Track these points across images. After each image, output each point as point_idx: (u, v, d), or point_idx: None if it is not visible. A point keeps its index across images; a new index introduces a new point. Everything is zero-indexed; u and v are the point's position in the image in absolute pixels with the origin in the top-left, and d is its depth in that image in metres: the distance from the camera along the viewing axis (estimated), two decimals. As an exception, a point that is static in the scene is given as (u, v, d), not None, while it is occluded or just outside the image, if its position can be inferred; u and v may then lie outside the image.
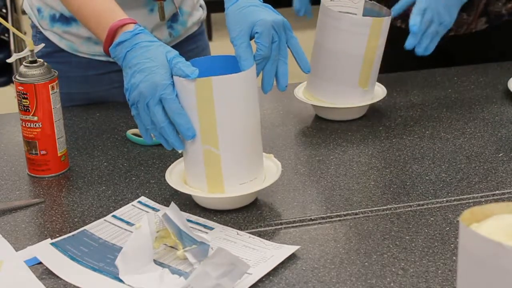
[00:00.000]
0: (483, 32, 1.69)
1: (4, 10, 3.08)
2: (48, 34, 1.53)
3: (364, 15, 1.44)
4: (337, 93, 1.44)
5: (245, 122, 1.11)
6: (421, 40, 1.45)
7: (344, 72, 1.43)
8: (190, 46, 1.62)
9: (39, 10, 1.53)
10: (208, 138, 1.10)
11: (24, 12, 1.54)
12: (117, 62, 1.19)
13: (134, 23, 1.19)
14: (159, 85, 1.10)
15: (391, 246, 1.05)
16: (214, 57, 1.17)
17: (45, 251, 1.05)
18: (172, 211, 1.02)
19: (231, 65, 1.14)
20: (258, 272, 0.99)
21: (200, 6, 1.65)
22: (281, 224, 1.12)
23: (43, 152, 1.26)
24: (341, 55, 1.42)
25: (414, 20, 1.42)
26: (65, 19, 1.51)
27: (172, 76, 1.10)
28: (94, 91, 1.57)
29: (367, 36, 1.40)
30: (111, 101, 1.58)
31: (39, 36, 1.55)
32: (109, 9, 1.24)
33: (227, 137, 1.10)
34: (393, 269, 1.00)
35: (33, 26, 1.57)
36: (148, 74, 1.11)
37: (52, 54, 1.51)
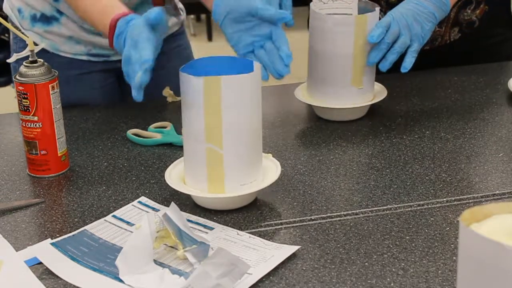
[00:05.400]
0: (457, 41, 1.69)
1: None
2: (29, 34, 1.52)
3: (359, 14, 1.44)
4: (332, 94, 1.44)
5: (249, 123, 1.11)
6: (387, 55, 1.42)
7: (335, 72, 1.43)
8: (172, 45, 1.65)
9: (19, 11, 1.53)
10: (212, 136, 1.10)
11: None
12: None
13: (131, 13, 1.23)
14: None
15: (391, 246, 1.05)
16: (216, 58, 1.17)
17: (45, 251, 1.05)
18: (172, 211, 1.02)
19: (232, 66, 1.14)
20: (258, 272, 0.99)
21: (180, 9, 1.68)
22: (281, 224, 1.12)
23: (43, 152, 1.26)
24: (330, 55, 1.42)
25: (373, 32, 1.39)
26: (46, 19, 1.51)
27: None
28: (75, 91, 1.56)
29: (353, 34, 1.40)
30: (91, 103, 1.57)
31: (19, 37, 1.55)
32: (110, 7, 1.27)
33: (231, 137, 1.10)
34: (393, 269, 1.00)
35: (14, 27, 1.56)
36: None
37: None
